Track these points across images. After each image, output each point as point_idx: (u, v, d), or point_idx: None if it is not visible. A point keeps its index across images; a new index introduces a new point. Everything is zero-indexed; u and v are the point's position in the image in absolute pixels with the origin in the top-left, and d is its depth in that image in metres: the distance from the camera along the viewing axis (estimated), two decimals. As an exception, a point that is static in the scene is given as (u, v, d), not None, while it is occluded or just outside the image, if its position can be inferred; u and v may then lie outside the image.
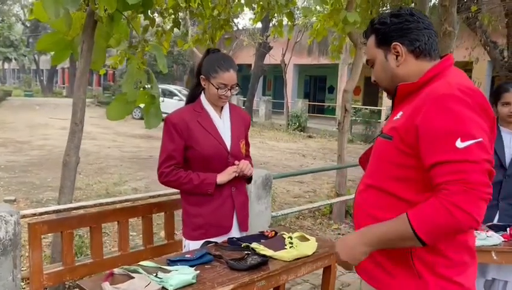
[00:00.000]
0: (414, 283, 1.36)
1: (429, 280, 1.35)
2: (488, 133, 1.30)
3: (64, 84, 39.99)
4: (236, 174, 2.26)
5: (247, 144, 2.48)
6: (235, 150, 2.30)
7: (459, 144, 1.22)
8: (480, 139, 1.23)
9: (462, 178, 1.20)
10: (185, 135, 2.20)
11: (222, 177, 2.23)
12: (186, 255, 2.02)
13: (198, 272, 1.82)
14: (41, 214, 2.67)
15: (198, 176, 2.21)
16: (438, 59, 1.44)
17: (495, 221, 2.60)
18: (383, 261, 1.43)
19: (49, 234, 3.25)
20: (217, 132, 2.27)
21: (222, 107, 2.33)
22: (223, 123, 2.31)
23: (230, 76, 2.21)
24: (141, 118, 17.21)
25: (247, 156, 2.48)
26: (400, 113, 1.40)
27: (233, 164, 2.28)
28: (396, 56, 1.42)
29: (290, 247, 2.14)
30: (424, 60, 1.42)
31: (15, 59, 29.85)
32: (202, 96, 2.32)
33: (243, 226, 2.37)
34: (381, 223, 1.36)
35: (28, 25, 33.27)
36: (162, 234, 4.33)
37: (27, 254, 3.72)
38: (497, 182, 2.54)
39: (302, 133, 17.43)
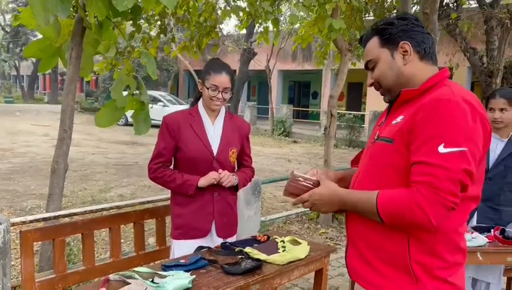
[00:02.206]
0: (412, 286, 1.39)
1: (426, 282, 1.38)
2: (479, 144, 1.32)
3: (45, 90, 39.39)
4: (215, 182, 2.31)
5: (247, 156, 2.54)
6: (222, 156, 2.36)
7: (441, 149, 1.27)
8: (464, 149, 1.27)
9: (432, 182, 1.27)
10: (176, 135, 2.32)
11: (202, 181, 2.31)
12: (181, 261, 2.03)
13: (194, 276, 1.83)
14: (31, 221, 2.65)
15: (182, 177, 2.31)
16: (437, 65, 1.50)
17: (474, 222, 2.67)
18: (379, 265, 1.45)
19: (36, 243, 3.24)
20: (205, 136, 2.35)
21: (217, 115, 2.40)
22: (213, 129, 2.38)
23: (221, 78, 2.28)
24: (125, 124, 17.08)
25: (247, 167, 2.53)
26: (401, 117, 1.42)
27: (217, 169, 2.34)
28: (404, 55, 1.47)
29: (283, 251, 2.18)
30: (428, 63, 1.47)
31: (-5, 65, 29.29)
32: (200, 103, 2.42)
33: (221, 232, 2.39)
34: (356, 193, 1.48)
35: (8, 31, 32.70)
36: (150, 240, 4.33)
37: (13, 263, 3.68)
38: None
39: (287, 138, 17.52)
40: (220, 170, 2.33)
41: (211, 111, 2.38)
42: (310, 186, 1.59)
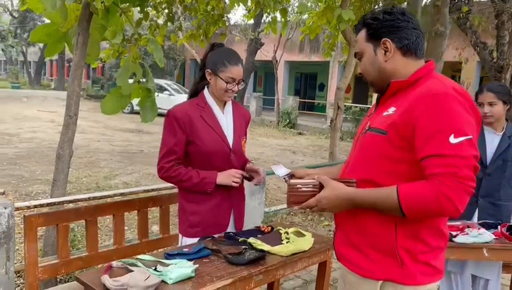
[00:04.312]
0: (397, 269, 1.48)
1: (410, 265, 1.47)
2: (476, 130, 1.41)
3: (52, 76, 39.47)
4: (237, 185, 2.24)
5: (245, 143, 2.44)
6: (237, 147, 2.27)
7: (452, 139, 1.33)
8: (470, 137, 1.35)
9: (454, 172, 1.32)
10: (188, 129, 2.16)
11: (222, 180, 2.19)
12: (184, 249, 2.03)
13: (197, 266, 1.83)
14: (35, 206, 2.65)
15: (198, 174, 2.17)
16: (423, 58, 1.54)
17: (474, 219, 2.65)
18: (367, 249, 1.52)
19: (40, 228, 3.26)
20: (219, 128, 2.23)
21: (225, 103, 2.30)
22: (225, 119, 2.27)
23: (239, 70, 2.19)
24: (131, 112, 17.12)
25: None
26: (392, 108, 1.47)
27: (234, 162, 2.26)
28: (385, 51, 1.51)
29: (287, 242, 2.16)
30: (411, 58, 1.51)
31: (2, 50, 29.33)
32: (206, 91, 2.27)
33: (239, 224, 2.37)
34: (371, 191, 1.47)
35: (16, 16, 32.69)
36: (154, 228, 4.33)
37: (17, 247, 3.70)
38: (477, 179, 2.56)
39: (292, 130, 17.47)
40: (239, 172, 2.25)
41: (219, 101, 2.27)
42: (311, 189, 1.57)
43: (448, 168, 1.32)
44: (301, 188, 1.59)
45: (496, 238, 2.41)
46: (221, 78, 2.17)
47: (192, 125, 2.17)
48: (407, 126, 1.40)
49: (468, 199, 1.34)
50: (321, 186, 1.56)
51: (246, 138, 2.40)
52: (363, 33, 1.57)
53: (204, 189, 2.18)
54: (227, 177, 2.20)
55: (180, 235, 2.33)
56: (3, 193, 2.89)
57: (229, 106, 2.32)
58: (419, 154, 1.38)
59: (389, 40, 1.50)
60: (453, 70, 16.74)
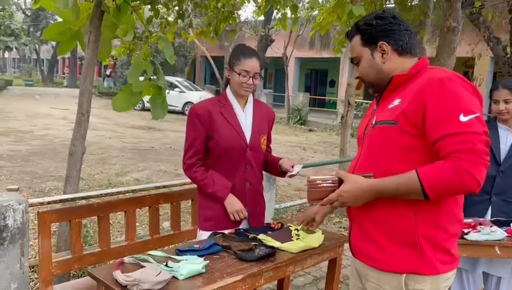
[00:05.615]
0: (417, 260, 1.49)
1: (430, 254, 1.49)
2: (481, 110, 1.45)
3: (64, 74, 39.86)
4: (234, 219, 2.29)
5: (269, 140, 2.49)
6: (254, 143, 2.31)
7: (462, 118, 1.39)
8: (478, 114, 1.41)
9: (469, 147, 1.36)
10: (207, 124, 2.24)
11: (228, 203, 2.26)
12: (195, 245, 2.04)
13: (207, 262, 1.84)
14: (48, 203, 2.69)
15: (212, 184, 2.25)
16: (417, 56, 1.64)
17: (487, 216, 2.61)
18: (385, 242, 1.53)
19: (53, 224, 3.31)
20: (238, 124, 2.28)
21: (246, 102, 2.34)
22: (245, 116, 2.32)
23: (252, 63, 2.22)
24: (142, 109, 17.24)
25: (268, 151, 2.49)
26: (398, 100, 1.53)
27: (251, 158, 2.29)
28: (382, 54, 1.59)
29: (297, 239, 2.17)
30: (406, 57, 1.60)
31: (16, 48, 29.66)
32: (228, 89, 2.34)
33: (253, 222, 2.37)
34: (391, 179, 1.48)
35: (29, 14, 33.06)
36: (165, 224, 4.37)
37: (31, 243, 3.76)
38: (490, 177, 2.53)
39: (302, 126, 17.45)
40: (243, 213, 2.29)
41: (240, 98, 2.31)
42: (332, 185, 1.58)
43: (464, 144, 1.36)
44: (321, 184, 1.59)
45: (509, 236, 2.38)
46: (236, 72, 2.23)
47: (212, 120, 2.24)
48: (416, 113, 1.45)
49: (485, 172, 1.37)
50: (340, 181, 1.58)
51: (268, 136, 2.44)
52: (357, 39, 1.64)
53: (216, 198, 2.28)
54: (233, 207, 2.27)
55: (198, 229, 2.39)
56: (17, 189, 2.93)
57: (250, 104, 2.36)
58: (432, 137, 1.42)
59: (385, 43, 1.58)
60: (466, 66, 16.53)
